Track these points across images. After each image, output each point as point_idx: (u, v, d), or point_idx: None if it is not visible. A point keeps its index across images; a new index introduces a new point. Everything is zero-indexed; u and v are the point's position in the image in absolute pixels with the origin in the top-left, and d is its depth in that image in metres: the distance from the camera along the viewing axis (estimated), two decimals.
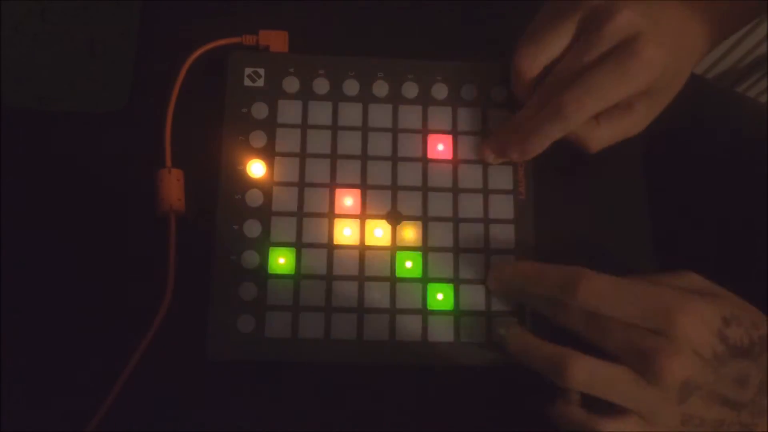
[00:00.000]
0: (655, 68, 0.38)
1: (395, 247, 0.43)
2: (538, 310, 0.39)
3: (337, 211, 0.43)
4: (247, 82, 0.45)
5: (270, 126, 0.44)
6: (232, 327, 0.41)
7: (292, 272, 0.42)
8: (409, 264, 0.43)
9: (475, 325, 0.42)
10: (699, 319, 0.34)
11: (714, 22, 0.42)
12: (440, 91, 0.45)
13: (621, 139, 0.43)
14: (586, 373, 0.35)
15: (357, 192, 0.44)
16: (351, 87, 0.45)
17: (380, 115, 0.45)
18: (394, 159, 0.44)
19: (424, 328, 0.42)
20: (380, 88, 0.45)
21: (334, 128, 0.44)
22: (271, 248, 0.42)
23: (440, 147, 0.45)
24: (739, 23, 0.45)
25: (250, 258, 0.42)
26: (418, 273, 0.42)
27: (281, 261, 0.42)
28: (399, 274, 0.42)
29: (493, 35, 0.49)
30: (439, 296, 0.42)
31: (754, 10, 0.45)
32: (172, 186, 0.43)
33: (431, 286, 0.42)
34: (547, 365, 0.37)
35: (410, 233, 0.43)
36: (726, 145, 0.49)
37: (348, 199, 0.43)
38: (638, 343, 0.35)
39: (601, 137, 0.42)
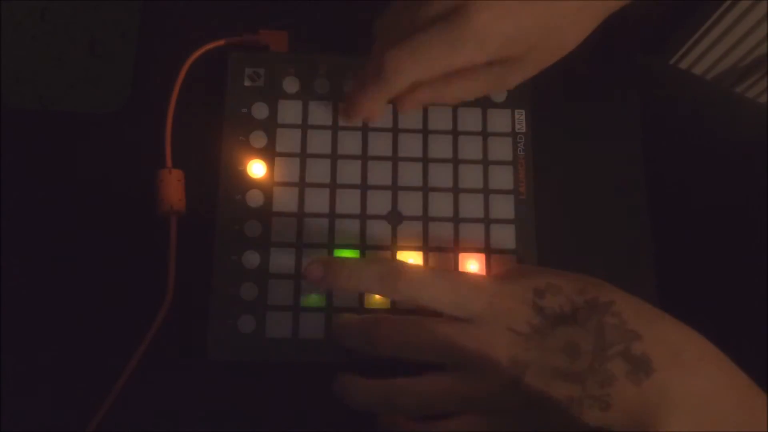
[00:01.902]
0: (490, 41, 0.34)
1: (396, 247, 0.43)
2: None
3: (337, 211, 0.43)
4: (247, 82, 0.45)
5: (270, 126, 0.44)
6: (233, 327, 0.41)
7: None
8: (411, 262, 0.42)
9: None
10: (506, 296, 0.33)
11: None
12: None
13: (484, 95, 0.40)
14: (395, 342, 0.35)
15: (357, 192, 0.44)
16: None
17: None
18: (394, 159, 0.44)
19: None
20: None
21: (334, 128, 0.44)
22: (271, 248, 0.42)
23: (441, 147, 0.45)
24: None
25: (251, 258, 0.42)
26: None
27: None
28: None
29: None
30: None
31: None
32: (173, 186, 0.43)
33: None
34: (358, 333, 0.36)
35: (411, 233, 0.43)
36: (726, 145, 0.49)
37: (348, 199, 0.43)
38: (456, 341, 0.33)
39: (454, 94, 0.39)
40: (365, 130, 0.45)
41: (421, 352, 0.35)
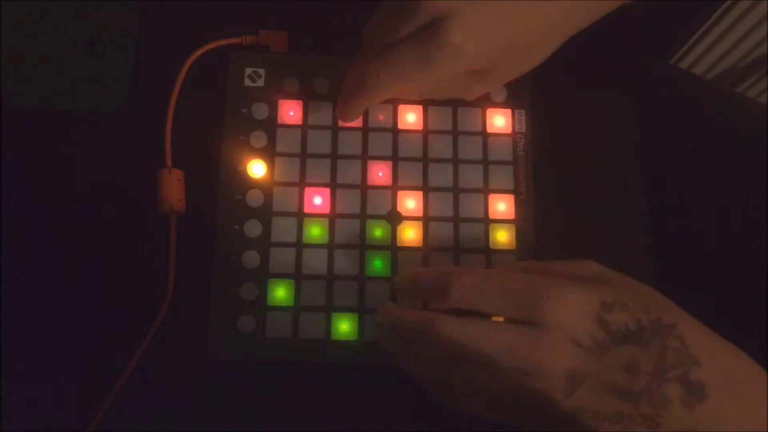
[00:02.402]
0: (464, 56, 0.35)
1: (396, 247, 0.43)
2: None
3: (337, 210, 0.43)
4: (247, 82, 0.45)
5: (270, 126, 0.44)
6: (233, 327, 0.41)
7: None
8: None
9: None
10: (572, 305, 0.32)
11: None
12: None
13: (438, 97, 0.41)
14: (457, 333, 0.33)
15: (357, 192, 0.44)
16: None
17: (380, 115, 0.45)
18: (395, 159, 0.44)
19: None
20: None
21: (334, 128, 0.44)
22: (271, 248, 0.42)
23: (441, 147, 0.45)
24: None
25: (251, 258, 0.42)
26: None
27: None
28: None
29: None
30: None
31: None
32: (173, 186, 0.43)
33: None
34: (414, 330, 0.35)
35: (411, 233, 0.43)
36: (726, 145, 0.49)
37: (348, 199, 0.43)
38: (515, 341, 0.33)
39: (419, 90, 0.41)
40: (365, 130, 0.45)
41: (479, 357, 0.34)
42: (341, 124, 0.44)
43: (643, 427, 0.32)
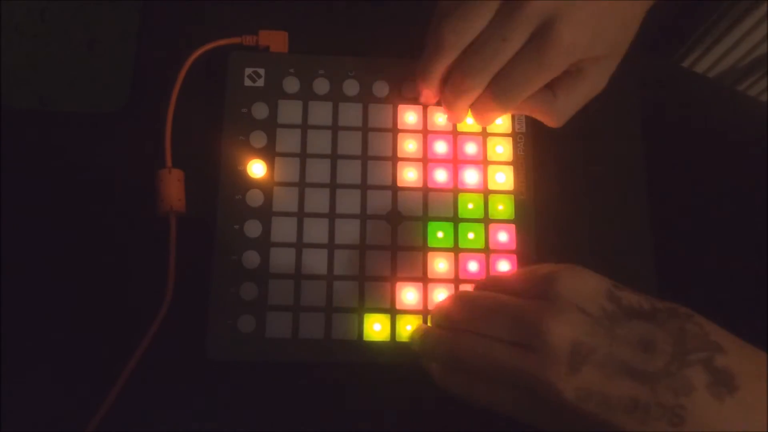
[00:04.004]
0: (575, 51, 0.37)
1: (396, 247, 0.43)
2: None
3: (337, 211, 0.43)
4: (247, 82, 0.45)
5: (270, 126, 0.44)
6: (232, 327, 0.41)
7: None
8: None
9: None
10: (584, 279, 0.31)
11: None
12: None
13: (583, 104, 0.42)
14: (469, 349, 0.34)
15: (357, 192, 0.44)
16: (351, 87, 0.45)
17: (380, 115, 0.45)
18: (394, 159, 0.44)
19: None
20: (380, 88, 0.45)
21: (334, 128, 0.44)
22: (271, 248, 0.42)
23: (441, 147, 0.45)
24: None
25: (251, 258, 0.42)
26: (418, 273, 0.42)
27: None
28: (400, 274, 0.42)
29: None
30: (441, 297, 0.42)
31: None
32: (173, 186, 0.43)
33: (432, 287, 0.42)
34: (438, 344, 0.36)
35: (410, 233, 0.43)
36: (726, 145, 0.49)
37: (348, 199, 0.43)
38: (521, 311, 0.32)
39: (562, 109, 0.41)
40: (365, 130, 0.45)
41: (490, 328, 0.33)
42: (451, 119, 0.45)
43: (663, 423, 0.28)
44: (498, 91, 0.39)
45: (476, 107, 0.42)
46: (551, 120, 0.42)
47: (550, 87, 0.40)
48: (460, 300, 0.37)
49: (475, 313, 0.35)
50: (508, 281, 0.36)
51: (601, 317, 0.29)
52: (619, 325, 0.29)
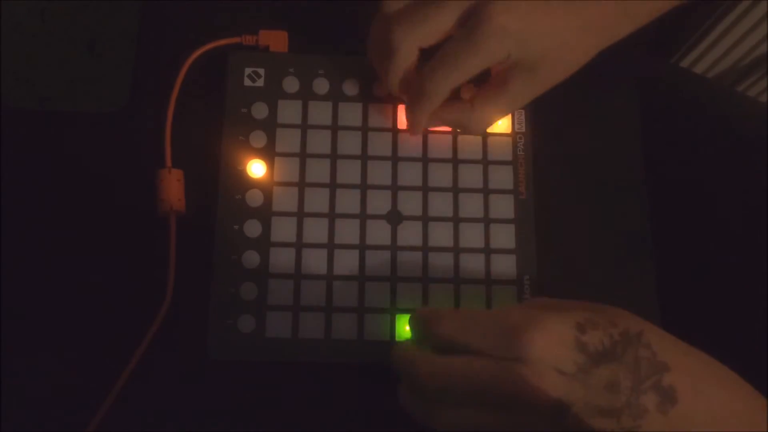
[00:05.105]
0: (507, 36, 0.37)
1: (396, 247, 0.43)
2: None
3: (337, 210, 0.43)
4: (247, 82, 0.45)
5: (270, 126, 0.44)
6: (232, 327, 0.41)
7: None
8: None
9: None
10: (550, 333, 0.33)
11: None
12: None
13: (501, 118, 0.42)
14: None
15: (357, 192, 0.44)
16: (351, 87, 0.45)
17: (380, 115, 0.45)
18: (394, 159, 0.44)
19: None
20: (380, 88, 0.45)
21: (334, 128, 0.44)
22: (271, 248, 0.42)
23: (441, 147, 0.45)
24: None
25: (250, 258, 0.42)
26: (418, 272, 0.43)
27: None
28: (400, 273, 0.42)
29: None
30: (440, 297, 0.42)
31: None
32: (173, 186, 0.43)
33: (432, 287, 0.42)
34: (401, 364, 0.36)
35: (410, 233, 0.43)
36: (726, 145, 0.49)
37: (348, 199, 0.43)
38: (501, 374, 0.33)
39: (479, 119, 0.41)
40: (365, 129, 0.45)
41: (466, 396, 0.35)
42: (407, 130, 0.44)
43: None
44: (429, 74, 0.38)
45: (409, 104, 0.41)
46: (469, 128, 0.42)
47: (470, 100, 0.41)
48: (427, 368, 0.36)
49: (448, 385, 0.35)
50: (467, 332, 0.35)
51: (576, 373, 0.32)
52: (590, 376, 0.32)
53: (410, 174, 0.44)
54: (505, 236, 0.43)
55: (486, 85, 0.41)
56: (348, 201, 0.43)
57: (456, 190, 0.44)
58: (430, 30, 0.38)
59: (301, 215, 0.43)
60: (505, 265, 0.43)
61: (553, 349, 0.33)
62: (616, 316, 0.34)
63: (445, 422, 0.35)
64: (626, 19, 0.40)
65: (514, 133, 0.45)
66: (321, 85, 0.45)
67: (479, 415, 0.34)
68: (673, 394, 0.32)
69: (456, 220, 0.44)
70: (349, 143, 0.44)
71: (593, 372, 0.32)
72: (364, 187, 0.44)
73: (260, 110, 0.44)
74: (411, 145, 0.44)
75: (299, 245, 0.43)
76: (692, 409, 0.32)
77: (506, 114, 0.43)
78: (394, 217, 0.43)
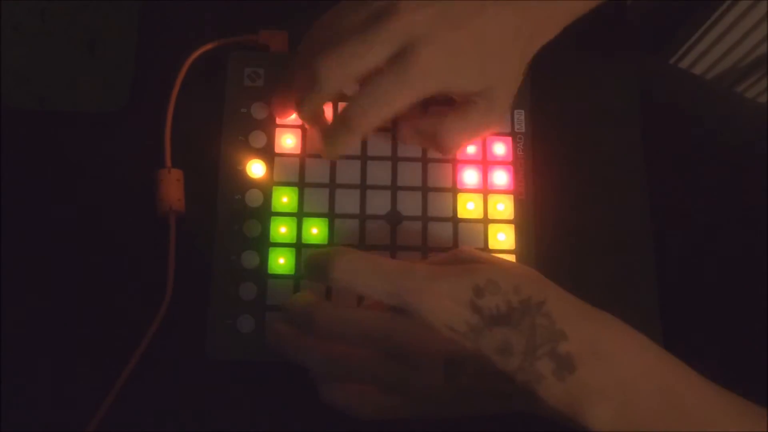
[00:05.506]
0: (435, 75, 0.37)
1: (396, 247, 0.43)
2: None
3: (337, 211, 0.43)
4: (247, 82, 0.45)
5: (269, 126, 0.44)
6: (232, 327, 0.41)
7: (292, 272, 0.42)
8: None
9: None
10: (444, 294, 0.34)
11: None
12: None
13: (476, 137, 0.42)
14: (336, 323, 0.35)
15: (357, 192, 0.44)
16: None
17: None
18: (394, 159, 0.44)
19: None
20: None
21: None
22: (270, 248, 0.42)
23: None
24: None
25: (250, 258, 0.42)
26: None
27: (281, 261, 0.42)
28: None
29: None
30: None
31: None
32: (172, 186, 0.43)
33: None
34: (298, 319, 0.37)
35: (410, 233, 0.43)
36: (726, 145, 0.49)
37: (348, 199, 0.43)
38: (394, 326, 0.34)
39: (449, 139, 0.41)
40: None
41: (359, 343, 0.36)
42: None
43: (523, 404, 0.34)
44: (356, 108, 0.38)
45: (329, 130, 0.41)
46: (440, 149, 0.43)
47: (442, 119, 0.41)
48: (323, 318, 0.36)
49: (345, 332, 0.36)
50: (361, 274, 0.35)
51: (467, 332, 0.34)
52: (482, 336, 0.33)
53: (410, 174, 0.44)
54: (504, 236, 0.43)
55: (457, 106, 0.41)
56: (347, 201, 0.43)
57: (456, 190, 0.44)
58: (357, 68, 0.37)
59: (300, 215, 0.43)
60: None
61: (446, 306, 0.34)
62: (525, 281, 0.35)
63: (342, 365, 0.36)
64: (551, 21, 0.40)
65: (514, 133, 0.45)
66: None
67: (375, 362, 0.35)
68: (570, 361, 0.33)
69: (455, 220, 0.44)
70: None
71: (485, 333, 0.34)
72: (363, 187, 0.44)
73: (260, 110, 0.44)
74: (411, 146, 0.44)
75: (299, 245, 0.43)
76: (594, 376, 0.33)
77: (478, 133, 0.42)
78: (394, 217, 0.43)
